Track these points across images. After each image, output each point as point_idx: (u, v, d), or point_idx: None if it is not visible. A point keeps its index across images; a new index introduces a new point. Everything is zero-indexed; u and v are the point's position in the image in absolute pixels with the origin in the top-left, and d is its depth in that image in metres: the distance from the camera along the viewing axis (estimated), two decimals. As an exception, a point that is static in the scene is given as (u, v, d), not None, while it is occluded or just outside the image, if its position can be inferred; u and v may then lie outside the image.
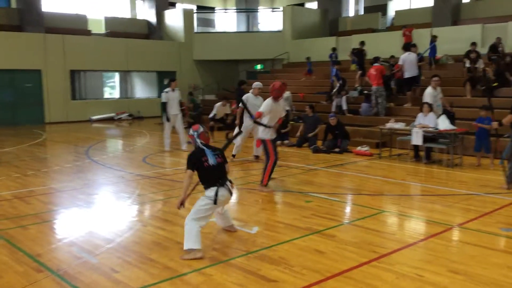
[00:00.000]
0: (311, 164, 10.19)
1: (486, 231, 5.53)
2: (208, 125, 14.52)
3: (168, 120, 11.97)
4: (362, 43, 16.95)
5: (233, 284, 4.13)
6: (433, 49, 16.42)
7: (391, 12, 25.48)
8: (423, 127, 9.79)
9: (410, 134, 10.02)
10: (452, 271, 4.32)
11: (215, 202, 4.85)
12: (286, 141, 13.10)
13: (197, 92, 22.97)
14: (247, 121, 10.12)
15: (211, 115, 14.34)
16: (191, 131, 5.03)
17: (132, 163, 10.65)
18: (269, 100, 7.59)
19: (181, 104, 12.44)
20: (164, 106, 11.91)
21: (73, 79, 21.44)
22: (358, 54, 16.36)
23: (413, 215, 6.36)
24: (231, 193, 5.05)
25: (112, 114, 22.07)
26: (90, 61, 21.39)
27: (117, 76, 23.96)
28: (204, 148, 4.94)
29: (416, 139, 9.80)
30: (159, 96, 12.24)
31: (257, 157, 10.56)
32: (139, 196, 7.48)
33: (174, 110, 11.94)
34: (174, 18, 24.71)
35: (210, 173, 4.87)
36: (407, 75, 13.79)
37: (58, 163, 10.52)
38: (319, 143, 12.14)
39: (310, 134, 12.37)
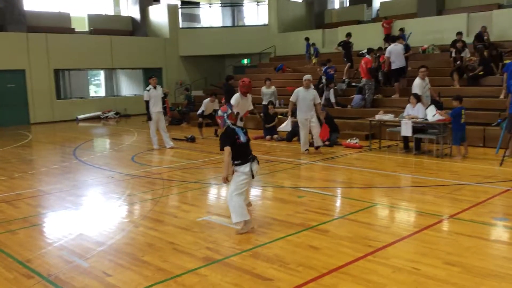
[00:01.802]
0: (301, 158, 10.15)
1: (480, 221, 5.54)
2: (197, 122, 14.45)
3: (150, 118, 11.80)
4: (349, 35, 16.94)
5: (228, 284, 4.07)
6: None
7: (376, 3, 25.53)
8: (412, 118, 9.80)
9: (399, 126, 10.03)
10: (448, 263, 4.30)
11: (253, 176, 5.33)
12: (275, 136, 13.04)
13: (183, 88, 22.81)
14: (300, 115, 10.50)
15: (199, 112, 14.23)
16: (220, 112, 5.38)
17: (121, 162, 10.52)
18: (238, 95, 8.69)
19: (164, 101, 12.30)
20: (146, 104, 11.73)
21: (57, 78, 21.14)
22: (345, 46, 16.33)
23: (405, 207, 6.36)
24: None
25: (99, 113, 21.84)
26: (74, 60, 21.10)
27: (102, 74, 23.69)
28: (235, 127, 5.32)
29: (406, 130, 9.81)
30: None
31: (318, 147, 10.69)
32: (129, 196, 7.38)
33: (156, 107, 11.78)
34: (158, 14, 24.46)
35: (243, 149, 5.29)
36: (394, 66, 13.80)
37: (45, 165, 10.36)
38: (309, 136, 12.07)
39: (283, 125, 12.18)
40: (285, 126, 11.31)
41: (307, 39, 19.74)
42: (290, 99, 10.57)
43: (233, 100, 8.69)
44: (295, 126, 12.54)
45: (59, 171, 9.57)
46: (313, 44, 19.45)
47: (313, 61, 19.37)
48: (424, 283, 3.93)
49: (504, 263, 4.30)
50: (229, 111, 5.36)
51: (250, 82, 8.79)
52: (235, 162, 5.28)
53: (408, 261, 4.39)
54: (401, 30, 16.64)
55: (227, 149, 5.15)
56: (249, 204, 6.00)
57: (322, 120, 10.66)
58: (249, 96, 8.74)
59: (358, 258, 4.50)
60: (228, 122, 5.31)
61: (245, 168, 5.27)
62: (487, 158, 9.31)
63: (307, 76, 10.61)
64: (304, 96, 10.32)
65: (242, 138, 5.25)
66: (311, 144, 10.77)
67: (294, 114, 10.69)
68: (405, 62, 13.90)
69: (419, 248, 4.71)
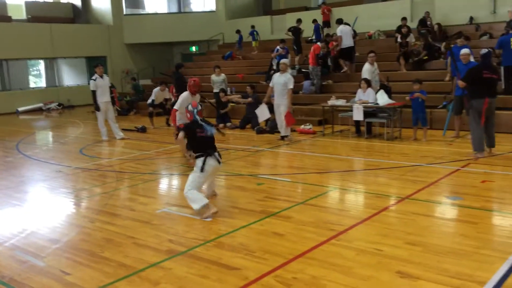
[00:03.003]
0: (257, 145, 10.13)
1: (434, 200, 5.73)
2: (147, 111, 14.10)
3: (98, 109, 11.38)
4: (299, 20, 17.01)
5: (195, 276, 3.99)
6: (317, 31, 17.49)
7: (322, -11, 25.69)
8: (363, 103, 9.99)
9: (351, 111, 10.20)
10: (409, 243, 4.41)
11: (201, 169, 5.38)
12: (228, 124, 12.94)
13: (131, 77, 22.19)
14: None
15: (149, 101, 13.89)
16: (190, 107, 5.56)
17: (68, 155, 10.08)
18: (187, 94, 8.08)
19: (111, 91, 11.90)
20: (93, 94, 11.27)
21: (-6, 69, 19.98)
22: (295, 32, 16.38)
23: (362, 190, 6.48)
24: (219, 163, 5.55)
25: (40, 105, 20.85)
26: (12, 49, 19.99)
27: (42, 63, 22.59)
28: (203, 123, 5.47)
29: (357, 114, 9.99)
30: (90, 83, 11.57)
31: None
32: (80, 191, 7.09)
33: (104, 97, 11.36)
34: (101, 0, 23.53)
35: (201, 142, 5.44)
36: (343, 45, 14.28)
37: (-13, 161, 9.78)
38: (262, 123, 12.08)
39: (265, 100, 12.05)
40: (262, 113, 10.93)
41: (253, 26, 19.81)
42: (270, 85, 10.46)
43: (180, 100, 8.08)
44: (249, 113, 12.50)
45: (3, 167, 9.06)
46: (253, 27, 19.65)
47: (254, 45, 19.66)
48: (388, 264, 4.01)
49: (462, 240, 4.46)
50: (200, 107, 5.58)
51: (200, 82, 8.43)
52: (195, 154, 5.48)
53: (370, 243, 4.47)
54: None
55: (180, 136, 5.49)
56: (213, 193, 6.19)
57: (288, 107, 10.11)
58: (198, 95, 8.24)
59: (322, 243, 4.54)
60: (197, 117, 5.50)
61: (199, 162, 5.41)
62: (435, 140, 9.64)
63: (284, 60, 10.47)
64: (277, 81, 10.13)
65: (208, 132, 5.42)
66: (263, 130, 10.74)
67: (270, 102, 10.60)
68: (353, 43, 14.33)
69: (380, 230, 4.81)
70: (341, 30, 14.39)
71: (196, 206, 5.36)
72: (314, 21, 18.04)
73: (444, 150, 8.66)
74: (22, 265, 4.39)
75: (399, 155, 8.49)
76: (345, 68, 14.76)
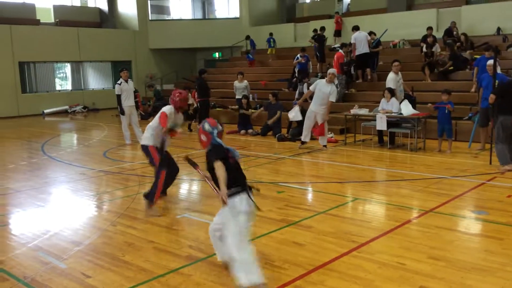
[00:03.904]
0: (278, 153, 10.11)
1: (459, 214, 5.62)
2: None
3: (122, 113, 11.54)
4: (323, 28, 16.98)
5: (214, 283, 3.98)
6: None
7: (347, -3, 25.66)
8: (387, 113, 9.89)
9: (374, 120, 10.11)
10: (433, 258, 4.33)
11: (257, 207, 3.93)
12: (250, 130, 12.96)
13: (155, 82, 22.45)
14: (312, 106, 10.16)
15: (172, 106, 13.96)
16: (207, 127, 3.97)
17: (92, 158, 10.23)
18: (171, 108, 6.18)
19: (135, 95, 12.05)
20: (118, 98, 11.45)
21: (22, 72, 20.43)
22: (319, 39, 16.35)
23: (385, 201, 6.40)
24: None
25: (66, 107, 21.24)
26: (40, 52, 20.45)
27: (68, 67, 23.03)
28: (226, 146, 3.97)
29: (380, 124, 9.89)
30: (114, 87, 11.75)
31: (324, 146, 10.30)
32: (103, 194, 7.18)
33: (129, 101, 11.53)
34: (127, 6, 23.93)
35: (238, 171, 3.91)
36: (357, 52, 14.24)
37: (13, 161, 9.97)
38: (284, 131, 12.07)
39: (270, 121, 12.16)
40: (295, 115, 11.23)
41: (271, 34, 19.91)
42: (310, 88, 10.37)
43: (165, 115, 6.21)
44: (269, 118, 12.50)
45: (28, 168, 9.23)
46: (271, 34, 19.72)
47: (269, 52, 20.00)
48: (410, 278, 3.93)
49: (487, 256, 4.36)
50: (220, 127, 4.05)
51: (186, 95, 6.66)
52: (229, 190, 3.73)
53: (393, 256, 4.39)
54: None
55: (220, 164, 3.72)
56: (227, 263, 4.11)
57: (325, 118, 10.03)
58: (181, 114, 6.40)
59: (343, 254, 4.48)
60: (218, 140, 3.96)
61: (241, 201, 3.78)
62: (460, 152, 9.48)
63: (331, 70, 10.34)
64: (322, 88, 9.92)
65: (237, 156, 3.97)
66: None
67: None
68: (368, 49, 14.27)
69: (402, 243, 4.73)
70: (355, 37, 14.28)
71: (244, 280, 3.61)
72: (322, 29, 18.55)
73: (469, 163, 8.50)
74: (44, 266, 4.45)
75: (422, 166, 8.37)
76: (359, 80, 14.65)
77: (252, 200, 3.83)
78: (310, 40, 17.10)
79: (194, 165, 4.38)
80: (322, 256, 4.44)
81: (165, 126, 5.98)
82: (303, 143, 10.41)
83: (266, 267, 4.24)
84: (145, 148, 6.19)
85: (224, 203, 3.68)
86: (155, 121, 6.18)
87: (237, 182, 3.82)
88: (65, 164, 9.52)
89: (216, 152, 3.84)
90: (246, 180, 3.91)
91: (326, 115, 9.98)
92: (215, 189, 3.86)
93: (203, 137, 3.99)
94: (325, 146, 10.23)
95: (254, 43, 21.19)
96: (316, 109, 10.00)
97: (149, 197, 6.01)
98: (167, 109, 6.15)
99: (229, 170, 3.76)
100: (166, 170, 6.11)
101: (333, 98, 9.94)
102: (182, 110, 6.40)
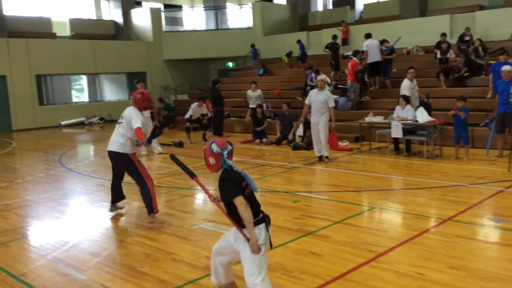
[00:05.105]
0: (292, 162, 10.10)
1: (478, 223, 5.55)
2: (185, 126, 14.31)
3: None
4: (335, 36, 16.98)
5: (232, 295, 3.98)
6: (302, 49, 19.03)
7: (359, 5, 25.68)
8: (402, 120, 9.83)
9: (389, 127, 10.06)
10: (452, 267, 4.28)
11: (271, 244, 3.66)
12: (264, 139, 12.99)
13: (170, 92, 22.65)
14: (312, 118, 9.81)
15: (187, 116, 14.09)
16: (215, 148, 3.59)
17: (109, 169, 10.21)
18: (137, 111, 6.12)
19: (151, 107, 12.13)
20: None
21: (39, 84, 20.75)
22: (332, 48, 16.36)
23: (402, 210, 6.35)
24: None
25: (82, 119, 21.50)
26: (56, 65, 20.74)
27: (84, 79, 23.35)
28: (239, 171, 3.63)
29: (396, 132, 9.84)
30: (130, 97, 11.85)
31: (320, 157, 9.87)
32: (121, 205, 7.22)
33: (144, 113, 11.59)
34: (141, 18, 24.22)
35: (254, 202, 3.57)
36: (369, 60, 14.29)
37: (31, 173, 10.11)
38: (299, 139, 12.06)
39: (290, 136, 12.16)
40: (299, 129, 11.40)
41: (299, 41, 19.92)
42: (305, 102, 10.01)
43: (139, 122, 6.01)
44: (284, 130, 12.51)
45: (46, 180, 9.36)
46: (299, 41, 19.93)
47: (285, 61, 20.10)
48: (430, 288, 3.90)
49: (508, 265, 4.30)
50: (230, 147, 3.64)
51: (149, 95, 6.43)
52: (243, 223, 3.49)
53: (411, 266, 4.36)
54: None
55: (242, 200, 3.42)
56: (233, 284, 4.02)
57: (332, 126, 9.79)
58: (148, 112, 6.32)
59: (361, 264, 4.46)
60: (229, 162, 3.60)
61: (260, 233, 3.53)
62: (477, 159, 9.37)
63: (321, 77, 9.92)
64: (315, 98, 9.61)
65: (252, 186, 3.60)
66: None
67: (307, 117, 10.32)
68: (380, 57, 14.26)
69: (421, 252, 4.69)
70: (367, 44, 14.36)
71: None
72: (299, 41, 19.45)
73: (487, 170, 8.41)
74: (64, 278, 4.50)
75: (439, 174, 8.29)
76: (373, 87, 14.67)
77: (268, 231, 3.61)
78: (324, 50, 17.13)
79: (190, 173, 3.96)
80: (340, 267, 4.43)
81: (143, 139, 5.91)
82: (320, 158, 9.86)
83: (284, 278, 4.24)
84: (124, 157, 6.02)
85: (257, 251, 3.45)
86: (127, 129, 6.02)
87: (254, 213, 3.52)
88: (82, 176, 9.63)
89: (232, 188, 3.47)
90: (260, 207, 3.62)
91: (333, 123, 9.65)
92: (237, 227, 3.57)
93: (212, 160, 3.60)
94: (326, 157, 9.78)
95: (256, 53, 21.48)
96: (316, 120, 9.67)
97: (149, 210, 5.99)
98: (137, 120, 5.95)
99: (247, 202, 3.47)
100: (152, 180, 6.12)
101: (332, 103, 9.55)
102: (146, 109, 6.30)
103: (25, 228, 6.30)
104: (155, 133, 6.23)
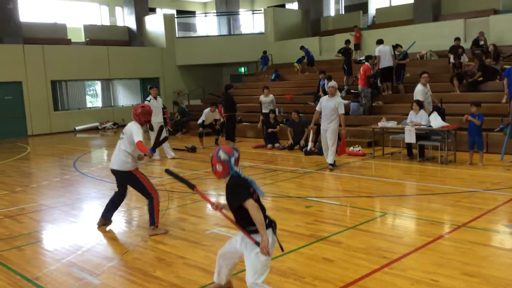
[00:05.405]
0: (305, 167, 10.08)
1: (493, 229, 5.49)
2: (197, 131, 14.37)
3: (151, 129, 11.71)
4: (348, 41, 16.96)
5: (244, 300, 3.98)
6: (308, 54, 19.23)
7: (372, 10, 25.62)
8: (416, 125, 9.77)
9: (402, 133, 10.00)
10: (467, 274, 4.24)
11: (281, 248, 3.77)
12: (276, 145, 12.99)
13: (182, 98, 22.78)
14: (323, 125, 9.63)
15: (200, 121, 14.15)
16: (222, 155, 3.62)
17: (122, 174, 10.38)
18: (138, 126, 6.06)
19: (164, 112, 12.24)
20: None
21: (54, 90, 21.02)
22: (345, 53, 16.35)
23: (416, 216, 6.30)
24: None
25: (96, 124, 21.71)
26: (71, 71, 21.00)
27: (98, 84, 23.58)
28: (246, 177, 3.68)
29: (409, 137, 9.78)
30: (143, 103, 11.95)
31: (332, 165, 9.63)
32: (134, 209, 7.29)
33: (157, 118, 11.71)
34: (154, 24, 24.44)
35: (261, 208, 3.57)
36: (382, 65, 14.31)
37: (46, 178, 10.23)
38: (311, 145, 12.03)
39: (302, 142, 12.12)
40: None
41: (302, 47, 19.97)
42: (316, 109, 9.84)
43: (140, 135, 5.91)
44: (296, 136, 12.51)
45: (61, 184, 9.46)
46: (302, 48, 20.00)
47: (297, 67, 20.11)
48: (444, 295, 3.86)
49: (524, 273, 4.25)
50: (236, 154, 3.69)
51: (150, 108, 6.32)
52: (251, 228, 3.56)
53: (425, 272, 4.32)
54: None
55: (253, 203, 3.47)
56: (229, 284, 4.11)
57: (342, 134, 9.67)
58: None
59: (375, 271, 4.43)
60: (236, 169, 3.66)
61: (268, 238, 3.55)
62: (492, 164, 9.28)
63: (332, 83, 9.76)
64: (326, 105, 9.46)
65: (259, 192, 3.65)
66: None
67: (317, 124, 10.07)
68: (392, 63, 14.29)
69: (435, 259, 4.65)
70: (379, 50, 14.38)
71: None
72: (302, 47, 19.71)
73: (502, 176, 8.31)
74: (78, 282, 4.54)
75: (454, 180, 8.22)
76: (385, 92, 14.64)
77: (275, 235, 3.67)
78: (336, 55, 17.11)
79: (189, 185, 3.95)
80: (353, 273, 4.40)
81: (145, 151, 5.86)
82: (331, 165, 9.59)
83: (296, 284, 4.23)
84: (128, 174, 6.01)
85: (268, 254, 3.48)
86: (128, 144, 5.97)
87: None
88: (96, 180, 9.72)
89: (243, 192, 3.52)
90: (266, 212, 3.62)
91: (343, 129, 9.52)
92: (245, 232, 3.62)
93: (219, 167, 3.63)
94: (331, 164, 9.55)
95: (266, 60, 21.70)
96: (325, 127, 9.50)
97: (151, 221, 5.99)
98: (138, 133, 5.89)
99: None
100: (157, 193, 6.12)
101: (342, 110, 9.36)
102: (147, 123, 6.20)
103: (39, 232, 6.38)
104: (160, 142, 6.19)
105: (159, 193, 6.23)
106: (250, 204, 3.45)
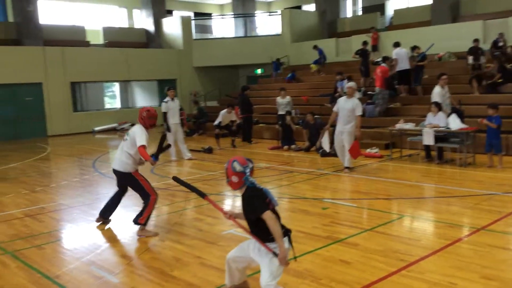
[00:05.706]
0: (321, 168, 10.06)
1: (512, 233, 5.42)
2: (214, 133, 14.45)
3: (169, 130, 11.82)
4: (365, 43, 16.88)
5: (261, 300, 4.00)
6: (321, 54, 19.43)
7: (389, 11, 25.47)
8: (434, 127, 9.68)
9: (420, 135, 9.92)
10: (485, 277, 4.19)
11: (295, 256, 3.90)
12: (293, 146, 12.99)
13: (199, 99, 22.90)
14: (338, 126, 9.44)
15: (216, 122, 14.22)
16: (238, 167, 3.65)
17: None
18: (143, 129, 6.05)
19: (181, 113, 12.33)
20: (164, 116, 11.77)
21: (74, 91, 21.33)
22: (363, 54, 16.27)
23: (434, 218, 6.25)
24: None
25: (115, 125, 21.95)
26: (90, 72, 21.28)
27: (117, 86, 23.88)
28: (262, 187, 3.70)
29: (427, 139, 9.69)
30: (160, 104, 12.11)
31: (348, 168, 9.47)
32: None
33: (174, 119, 11.81)
34: (172, 26, 24.64)
35: (276, 217, 3.61)
36: (398, 68, 14.30)
37: (66, 178, 10.39)
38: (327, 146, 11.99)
39: (318, 144, 12.08)
40: (324, 142, 11.31)
41: (315, 47, 20.01)
42: (333, 109, 9.61)
43: (143, 139, 5.91)
44: (311, 138, 12.46)
45: (80, 184, 9.60)
46: (315, 47, 20.06)
47: (313, 68, 20.10)
48: (463, 299, 3.83)
49: (544, 277, 4.19)
50: (251, 164, 3.71)
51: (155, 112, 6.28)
52: (267, 237, 3.59)
53: (443, 275, 4.29)
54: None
55: (270, 215, 3.51)
56: (245, 284, 4.14)
57: (357, 136, 9.26)
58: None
59: (392, 273, 4.41)
60: (252, 180, 3.69)
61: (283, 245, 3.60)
62: (511, 167, 9.14)
63: (351, 84, 9.60)
64: (343, 106, 9.26)
65: (274, 202, 3.66)
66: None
67: (334, 125, 9.78)
68: (409, 65, 14.25)
69: (454, 262, 4.60)
70: (396, 53, 14.34)
71: None
72: (315, 47, 19.74)
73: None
74: (97, 280, 4.61)
75: (472, 182, 8.12)
76: (403, 94, 14.54)
77: (291, 243, 3.70)
78: (353, 56, 17.04)
79: (200, 193, 4.02)
80: (370, 275, 4.39)
81: (148, 158, 5.86)
82: (348, 168, 9.46)
83: (313, 285, 4.24)
84: (128, 176, 6.06)
85: (286, 264, 3.56)
86: (131, 146, 5.98)
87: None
88: (114, 181, 9.78)
89: (260, 203, 3.55)
90: (281, 220, 3.64)
91: (358, 131, 9.22)
92: (261, 242, 3.62)
93: (234, 179, 3.66)
94: (347, 168, 9.41)
95: (278, 66, 21.86)
96: (341, 128, 9.31)
97: (138, 221, 6.00)
98: (141, 137, 5.86)
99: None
100: (156, 195, 6.14)
101: (359, 112, 9.16)
102: (152, 127, 6.14)
103: (59, 231, 6.49)
104: (163, 149, 6.16)
105: (159, 195, 6.25)
106: (268, 216, 3.49)
